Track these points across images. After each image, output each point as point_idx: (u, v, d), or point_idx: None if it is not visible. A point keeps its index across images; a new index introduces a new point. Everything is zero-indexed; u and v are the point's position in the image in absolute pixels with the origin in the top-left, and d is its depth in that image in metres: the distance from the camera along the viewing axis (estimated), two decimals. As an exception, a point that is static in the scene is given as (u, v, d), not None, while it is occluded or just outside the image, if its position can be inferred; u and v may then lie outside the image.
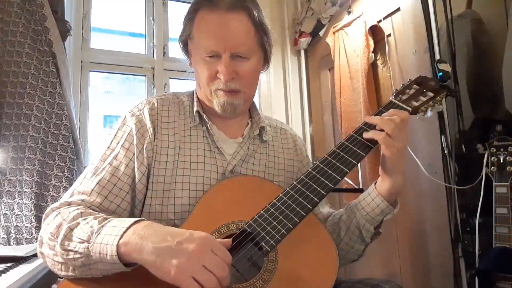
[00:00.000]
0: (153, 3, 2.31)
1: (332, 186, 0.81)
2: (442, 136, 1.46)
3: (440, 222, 1.47)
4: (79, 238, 0.70)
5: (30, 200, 1.54)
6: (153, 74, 2.22)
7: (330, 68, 2.17)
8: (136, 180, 0.85)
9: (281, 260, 0.76)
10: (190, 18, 0.92)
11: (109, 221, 0.72)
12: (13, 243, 1.50)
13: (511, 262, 1.14)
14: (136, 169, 0.86)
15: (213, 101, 0.91)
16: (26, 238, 1.52)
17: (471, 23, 1.55)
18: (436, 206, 1.49)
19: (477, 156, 1.35)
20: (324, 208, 1.03)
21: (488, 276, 1.16)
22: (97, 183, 0.82)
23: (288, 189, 0.83)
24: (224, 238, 0.77)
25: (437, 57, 1.49)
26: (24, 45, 1.62)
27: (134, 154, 0.86)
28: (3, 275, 0.89)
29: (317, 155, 2.32)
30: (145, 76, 2.23)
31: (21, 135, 1.58)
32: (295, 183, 0.84)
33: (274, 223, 0.77)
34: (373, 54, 1.82)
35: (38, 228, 1.51)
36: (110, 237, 0.68)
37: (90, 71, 2.08)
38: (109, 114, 2.24)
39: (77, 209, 0.77)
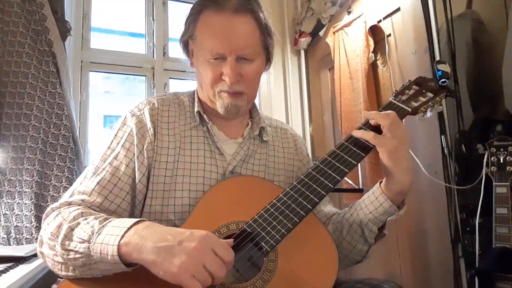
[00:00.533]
0: (153, 3, 2.31)
1: (332, 186, 0.81)
2: (442, 136, 1.46)
3: (440, 222, 1.47)
4: (80, 238, 0.70)
5: (30, 200, 1.54)
6: (153, 74, 2.22)
7: (330, 68, 2.17)
8: (137, 180, 0.85)
9: (281, 260, 0.76)
10: (193, 18, 0.91)
11: (110, 221, 0.72)
12: (13, 243, 1.50)
13: (511, 262, 1.14)
14: (136, 169, 0.85)
15: (216, 103, 0.91)
16: (26, 238, 1.52)
17: (471, 23, 1.55)
18: (436, 206, 1.49)
19: (477, 156, 1.35)
20: (327, 207, 1.03)
21: (488, 276, 1.16)
22: (98, 183, 0.82)
23: (288, 189, 0.83)
24: (224, 238, 0.77)
25: (437, 57, 1.49)
26: (24, 45, 1.62)
27: (134, 154, 0.86)
28: (3, 275, 0.89)
29: (317, 155, 2.32)
30: (145, 76, 2.23)
31: (21, 135, 1.58)
32: (295, 183, 0.84)
33: (274, 223, 0.77)
34: (373, 54, 1.82)
35: (38, 228, 1.51)
36: (111, 237, 0.68)
37: (90, 71, 2.08)
38: (109, 114, 2.24)
39: (78, 209, 0.77)
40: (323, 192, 0.80)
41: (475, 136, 1.43)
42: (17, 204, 1.54)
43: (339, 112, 1.98)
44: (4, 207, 1.52)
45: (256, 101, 2.36)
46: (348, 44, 1.93)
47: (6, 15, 1.62)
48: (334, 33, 2.05)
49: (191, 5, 0.94)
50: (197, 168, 0.90)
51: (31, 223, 1.52)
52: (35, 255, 1.06)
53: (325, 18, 2.18)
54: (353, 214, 0.91)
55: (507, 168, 1.23)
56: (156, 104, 0.94)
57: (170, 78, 2.25)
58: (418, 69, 1.57)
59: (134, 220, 0.71)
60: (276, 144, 1.04)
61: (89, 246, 0.69)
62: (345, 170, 0.82)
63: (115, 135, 0.90)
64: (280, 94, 2.44)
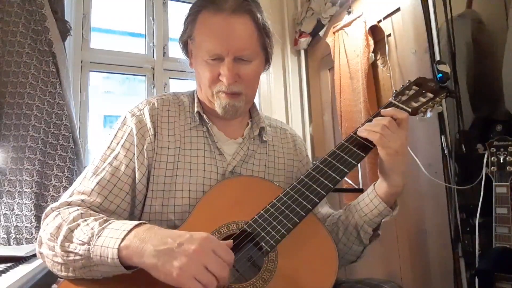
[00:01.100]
0: (153, 3, 2.31)
1: (332, 187, 0.81)
2: (442, 136, 1.46)
3: (440, 222, 1.47)
4: (80, 240, 0.70)
5: (30, 200, 1.54)
6: (153, 74, 2.22)
7: (330, 68, 2.17)
8: (136, 180, 0.85)
9: (281, 260, 0.76)
10: (192, 19, 0.91)
11: (110, 223, 0.72)
12: (13, 243, 1.50)
13: (511, 262, 1.14)
14: (136, 170, 0.85)
15: (215, 103, 0.91)
16: (26, 238, 1.52)
17: (471, 23, 1.55)
18: (436, 206, 1.49)
19: (477, 156, 1.35)
20: (324, 208, 1.03)
21: (488, 276, 1.16)
22: (97, 183, 0.82)
23: (288, 189, 0.83)
24: (224, 238, 0.77)
25: (437, 57, 1.49)
26: (24, 45, 1.62)
27: (134, 154, 0.86)
28: (3, 275, 0.89)
29: (317, 155, 2.32)
30: (145, 76, 2.23)
31: (21, 135, 1.58)
32: (294, 183, 0.84)
33: (274, 223, 0.77)
34: (373, 54, 1.82)
35: (38, 228, 1.51)
36: (111, 240, 0.68)
37: (90, 71, 2.08)
38: (109, 114, 2.24)
39: (77, 209, 0.76)
40: (323, 192, 0.80)
41: (475, 136, 1.43)
42: (17, 204, 1.54)
43: (339, 112, 1.98)
44: (4, 207, 1.52)
45: (256, 101, 2.36)
46: (348, 44, 1.93)
47: (6, 15, 1.62)
48: (334, 33, 2.05)
49: (191, 5, 0.94)
50: (197, 168, 0.90)
51: (31, 223, 1.52)
52: (35, 255, 1.06)
53: (325, 18, 2.18)
54: (348, 216, 0.92)
55: (507, 168, 1.23)
56: (156, 104, 0.94)
57: (170, 78, 2.25)
58: (418, 69, 1.57)
59: (135, 222, 0.71)
60: (276, 144, 1.04)
61: (89, 248, 0.68)
62: (345, 170, 0.82)
63: (115, 135, 0.89)
64: (280, 94, 2.44)
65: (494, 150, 1.27)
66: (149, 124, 0.90)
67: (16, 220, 1.53)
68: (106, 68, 2.14)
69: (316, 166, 0.85)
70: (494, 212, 1.22)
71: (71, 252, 0.70)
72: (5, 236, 1.50)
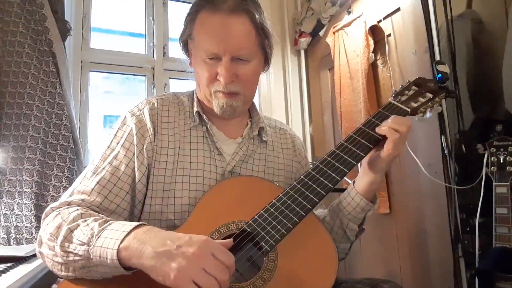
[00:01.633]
0: (153, 3, 2.31)
1: (332, 186, 0.81)
2: (442, 136, 1.46)
3: (440, 222, 1.47)
4: (79, 240, 0.70)
5: (30, 200, 1.54)
6: (153, 74, 2.22)
7: (330, 68, 2.17)
8: (136, 180, 0.85)
9: (280, 260, 0.76)
10: (191, 18, 0.91)
11: (110, 224, 0.72)
12: (13, 243, 1.50)
13: (511, 262, 1.14)
14: (136, 169, 0.86)
15: (213, 102, 0.92)
16: (26, 238, 1.52)
17: (471, 23, 1.55)
18: (436, 206, 1.49)
19: (477, 156, 1.35)
20: (317, 210, 1.03)
21: (488, 276, 1.16)
22: (97, 182, 0.82)
23: (288, 189, 0.83)
24: (224, 238, 0.77)
25: (437, 57, 1.49)
26: (24, 45, 1.62)
27: (134, 154, 0.86)
28: (3, 275, 0.90)
29: (317, 155, 2.32)
30: (145, 76, 2.23)
31: (21, 135, 1.58)
32: (294, 183, 0.84)
33: (274, 223, 0.77)
34: (373, 54, 1.82)
35: (38, 228, 1.51)
36: (110, 240, 0.68)
37: (90, 71, 2.07)
38: (109, 114, 2.24)
39: (77, 209, 0.76)
40: (323, 192, 0.80)
41: (475, 136, 1.43)
42: (17, 204, 1.54)
43: (339, 112, 1.98)
44: (4, 207, 1.52)
45: (256, 101, 2.35)
46: (348, 44, 1.93)
47: (6, 15, 1.63)
48: (334, 33, 2.05)
49: (191, 5, 0.94)
50: (196, 168, 0.90)
51: (31, 223, 1.52)
52: (35, 255, 1.06)
53: (325, 18, 2.18)
54: (333, 217, 0.95)
55: (507, 168, 1.23)
56: (155, 104, 0.94)
57: (170, 78, 2.25)
58: (418, 69, 1.57)
59: (134, 224, 0.70)
60: (275, 144, 1.04)
61: (88, 249, 0.68)
62: (345, 170, 0.83)
63: (115, 134, 0.90)
64: (280, 94, 2.44)
65: (494, 150, 1.27)
66: (149, 124, 0.90)
67: (16, 220, 1.53)
68: (106, 68, 2.14)
69: (316, 166, 0.85)
70: (494, 212, 1.22)
71: (71, 252, 0.70)
72: (5, 236, 1.50)
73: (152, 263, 0.64)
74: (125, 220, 0.83)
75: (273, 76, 2.44)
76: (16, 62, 1.61)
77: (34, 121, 1.59)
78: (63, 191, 1.58)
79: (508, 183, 1.22)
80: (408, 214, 1.64)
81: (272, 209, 0.79)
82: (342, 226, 0.92)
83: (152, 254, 0.64)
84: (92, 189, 0.81)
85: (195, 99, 0.98)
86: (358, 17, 1.87)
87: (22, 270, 0.94)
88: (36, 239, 1.47)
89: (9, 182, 1.54)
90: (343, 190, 1.93)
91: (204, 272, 0.63)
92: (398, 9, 1.70)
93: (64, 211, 0.77)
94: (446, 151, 1.45)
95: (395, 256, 1.70)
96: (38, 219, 1.52)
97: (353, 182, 0.93)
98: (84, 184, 0.83)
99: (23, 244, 1.50)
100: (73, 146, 1.65)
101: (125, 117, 0.92)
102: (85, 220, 0.73)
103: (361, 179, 0.90)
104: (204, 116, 0.95)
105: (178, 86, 2.28)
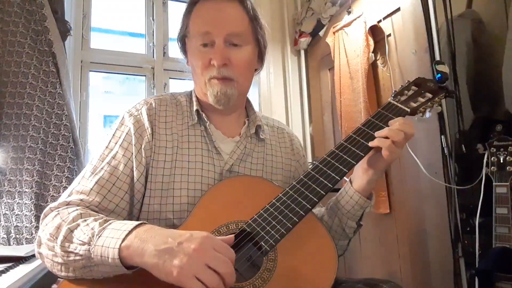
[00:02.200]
0: (153, 3, 2.31)
1: (331, 186, 0.81)
2: (442, 136, 1.46)
3: (440, 222, 1.47)
4: (80, 240, 0.70)
5: (30, 200, 1.54)
6: (153, 74, 2.22)
7: (330, 68, 2.17)
8: (135, 179, 0.85)
9: (280, 260, 0.76)
10: (187, 12, 0.95)
11: (110, 223, 0.72)
12: (13, 243, 1.50)
13: (511, 262, 1.14)
14: (134, 169, 0.86)
15: (207, 92, 0.92)
16: (26, 238, 1.52)
17: (471, 23, 1.55)
18: (436, 206, 1.49)
19: (477, 156, 1.35)
20: (315, 209, 1.04)
21: (488, 276, 1.16)
22: (96, 182, 0.82)
23: (287, 189, 0.83)
24: (224, 238, 0.77)
25: (437, 57, 1.49)
26: (24, 45, 1.62)
27: (132, 153, 0.87)
28: (3, 275, 0.90)
29: (317, 155, 2.32)
30: (145, 76, 2.23)
31: (21, 135, 1.58)
32: (294, 183, 0.84)
33: (274, 223, 0.77)
34: (373, 54, 1.81)
35: (38, 228, 1.51)
36: (112, 240, 0.68)
37: (90, 71, 2.08)
38: (109, 114, 2.24)
39: (76, 209, 0.76)
40: (322, 192, 0.80)
41: (475, 136, 1.43)
42: (17, 204, 1.54)
43: (339, 112, 1.98)
44: (4, 207, 1.52)
45: (256, 101, 2.38)
46: (348, 44, 1.93)
47: (6, 15, 1.63)
48: (334, 33, 2.05)
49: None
50: (194, 167, 0.90)
51: (31, 223, 1.53)
52: (35, 255, 1.06)
53: (325, 18, 2.18)
54: (331, 216, 0.95)
55: (507, 168, 1.23)
56: (153, 104, 0.94)
57: (170, 78, 2.26)
58: (418, 69, 1.56)
59: (135, 223, 0.71)
60: (274, 143, 1.04)
61: (89, 248, 0.68)
62: (345, 170, 0.83)
63: (113, 135, 0.90)
64: (280, 94, 2.44)
65: (494, 150, 1.27)
66: (146, 124, 0.90)
67: (16, 220, 1.53)
68: (106, 68, 2.14)
69: (316, 166, 0.85)
70: (494, 212, 1.21)
71: (71, 252, 0.70)
72: (5, 236, 1.50)
73: (154, 261, 0.64)
74: (124, 219, 0.83)
75: (273, 76, 2.44)
76: (16, 62, 1.61)
77: (34, 121, 1.59)
78: (63, 191, 1.57)
79: (508, 183, 1.22)
80: (408, 214, 1.63)
81: (271, 209, 0.79)
82: (341, 224, 0.93)
83: (154, 252, 0.65)
84: (91, 189, 0.82)
85: (194, 98, 0.98)
86: (358, 17, 1.87)
87: (22, 270, 0.94)
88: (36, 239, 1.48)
89: (9, 182, 1.55)
90: (342, 190, 1.93)
91: (207, 267, 0.63)
92: (398, 9, 1.70)
93: (63, 211, 0.77)
94: (446, 151, 1.45)
95: (395, 256, 1.70)
96: (38, 219, 1.52)
97: (350, 181, 0.93)
98: (83, 184, 0.83)
99: (23, 244, 1.50)
100: (73, 146, 1.65)
101: (123, 117, 0.93)
102: (85, 220, 0.73)
103: (360, 178, 0.91)
104: (203, 114, 0.95)
105: (178, 86, 2.28)
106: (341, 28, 1.99)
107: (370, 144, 0.85)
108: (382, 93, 1.81)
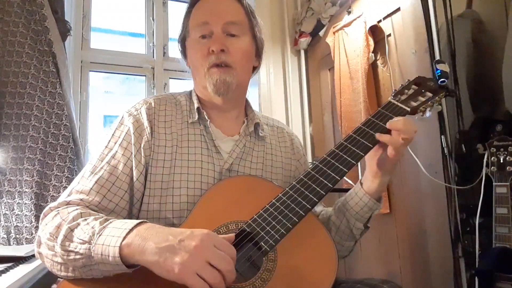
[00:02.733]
0: (153, 3, 2.31)
1: (331, 186, 0.81)
2: (442, 136, 1.46)
3: (440, 222, 1.47)
4: (80, 239, 0.70)
5: (30, 200, 1.54)
6: (153, 74, 2.22)
7: (330, 68, 2.17)
8: (134, 179, 0.85)
9: (280, 260, 0.76)
10: (188, 13, 0.98)
11: (111, 222, 0.72)
12: (13, 243, 1.50)
13: (511, 262, 1.14)
14: (134, 168, 0.86)
15: (207, 83, 0.93)
16: (26, 238, 1.52)
17: (471, 23, 1.55)
18: (436, 206, 1.49)
19: (477, 156, 1.35)
20: (318, 207, 1.04)
21: (488, 276, 1.15)
22: (96, 182, 0.82)
23: (287, 189, 0.83)
24: (223, 238, 0.77)
25: (437, 57, 1.49)
26: (24, 45, 1.63)
27: (132, 153, 0.87)
28: (3, 275, 0.90)
29: (317, 155, 2.32)
30: (145, 76, 2.23)
31: (21, 135, 1.58)
32: (294, 183, 0.83)
33: (273, 223, 0.77)
34: (373, 54, 1.81)
35: (38, 228, 1.51)
36: (112, 238, 0.68)
37: (90, 71, 2.08)
38: (109, 114, 2.24)
39: (76, 209, 0.76)
40: (322, 192, 0.80)
41: (475, 136, 1.43)
42: (17, 204, 1.54)
43: (339, 112, 1.98)
44: (4, 207, 1.52)
45: (256, 101, 2.38)
46: (348, 44, 1.93)
47: (6, 15, 1.63)
48: (334, 33, 2.05)
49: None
50: (194, 166, 0.90)
51: (31, 223, 1.53)
52: (35, 255, 1.06)
53: (325, 18, 2.18)
54: (339, 217, 0.95)
55: (507, 168, 1.22)
56: (152, 104, 0.95)
57: (170, 78, 2.26)
58: (418, 69, 1.56)
59: (136, 221, 0.71)
60: (273, 142, 1.04)
61: (89, 247, 0.68)
62: (345, 169, 0.82)
63: (113, 134, 0.90)
64: (280, 94, 2.44)
65: (494, 150, 1.27)
66: (146, 123, 0.90)
67: (16, 220, 1.53)
68: (106, 68, 2.14)
69: (316, 165, 0.85)
70: (494, 212, 1.21)
71: (72, 251, 0.70)
72: (5, 236, 1.50)
73: (155, 258, 0.64)
74: (124, 219, 0.84)
75: (273, 76, 2.43)
76: (16, 62, 1.62)
77: (34, 121, 1.59)
78: (63, 191, 1.56)
79: (508, 183, 1.21)
80: (408, 214, 1.63)
81: (271, 209, 0.79)
82: (349, 225, 0.93)
83: (155, 250, 0.65)
84: (91, 188, 0.82)
85: (194, 96, 0.99)
86: (358, 17, 1.87)
87: (22, 270, 0.94)
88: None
89: (9, 182, 1.55)
90: (342, 189, 1.93)
91: (208, 264, 0.63)
92: (398, 9, 1.70)
93: (63, 210, 0.77)
94: (446, 151, 1.45)
95: (395, 256, 1.70)
96: (38, 219, 1.52)
97: (360, 182, 0.93)
98: (83, 183, 0.83)
99: (23, 244, 1.50)
100: (73, 146, 1.65)
101: (122, 117, 0.93)
102: (85, 219, 0.73)
103: (371, 182, 0.90)
104: (204, 113, 0.96)
105: (178, 86, 2.28)
106: (341, 28, 1.99)
107: (378, 137, 0.84)
108: (382, 93, 1.81)
